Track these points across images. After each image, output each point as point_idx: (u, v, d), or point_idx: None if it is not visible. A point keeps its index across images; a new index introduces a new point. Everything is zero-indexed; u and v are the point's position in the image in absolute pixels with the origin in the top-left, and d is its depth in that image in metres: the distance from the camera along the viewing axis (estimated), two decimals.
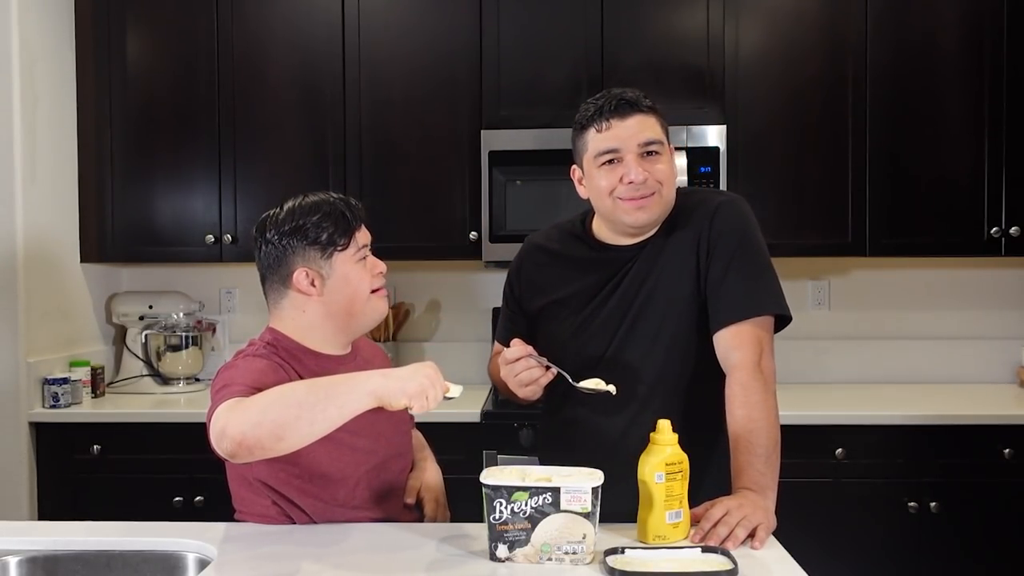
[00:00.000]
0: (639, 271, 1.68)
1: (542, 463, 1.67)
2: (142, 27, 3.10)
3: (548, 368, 1.57)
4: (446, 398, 1.38)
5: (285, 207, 1.61)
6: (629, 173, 1.60)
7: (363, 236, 1.62)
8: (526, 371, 1.56)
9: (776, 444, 1.56)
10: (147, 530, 1.57)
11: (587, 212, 1.79)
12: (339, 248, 1.58)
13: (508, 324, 1.84)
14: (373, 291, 1.62)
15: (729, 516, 1.44)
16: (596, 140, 1.63)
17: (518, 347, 1.57)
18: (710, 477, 1.62)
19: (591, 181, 1.67)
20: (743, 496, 1.49)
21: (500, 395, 1.91)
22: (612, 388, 1.55)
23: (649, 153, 1.62)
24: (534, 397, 1.62)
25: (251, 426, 1.31)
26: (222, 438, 1.33)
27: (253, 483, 1.58)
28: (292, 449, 1.35)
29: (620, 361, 1.68)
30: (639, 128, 1.61)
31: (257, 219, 1.57)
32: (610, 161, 1.63)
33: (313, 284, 1.59)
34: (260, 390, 1.42)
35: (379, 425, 1.60)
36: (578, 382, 1.57)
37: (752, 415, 1.55)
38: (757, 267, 1.65)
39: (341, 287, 1.59)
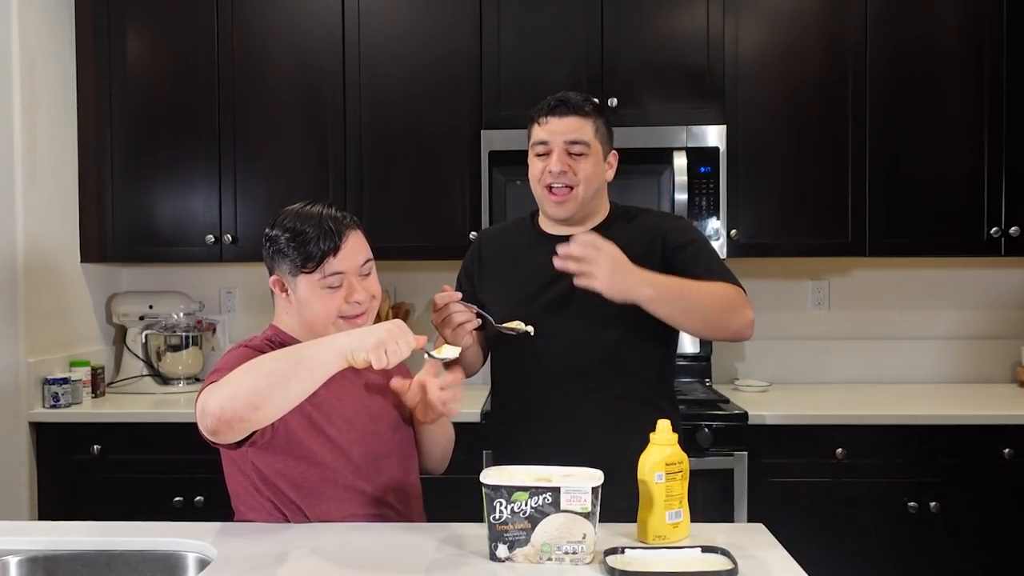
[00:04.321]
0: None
1: (497, 460, 1.78)
2: (142, 27, 3.10)
3: (477, 314, 1.75)
4: (434, 357, 1.42)
5: (286, 211, 1.62)
6: (551, 164, 1.81)
7: (342, 261, 1.56)
8: (455, 313, 1.74)
9: (698, 300, 1.70)
10: (147, 530, 1.57)
11: (536, 208, 1.96)
12: (304, 271, 1.57)
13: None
14: (345, 317, 1.57)
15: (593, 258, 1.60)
16: (535, 132, 1.86)
17: (446, 294, 1.77)
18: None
19: (530, 169, 1.88)
20: (623, 265, 1.62)
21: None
22: (531, 329, 1.75)
23: (577, 153, 1.81)
24: (464, 345, 1.76)
25: (227, 399, 1.35)
26: (203, 416, 1.37)
27: (251, 485, 1.59)
28: (270, 419, 1.38)
29: (562, 342, 1.82)
30: (570, 128, 1.82)
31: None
32: (541, 152, 1.84)
33: (285, 292, 1.62)
34: None
35: (356, 420, 1.62)
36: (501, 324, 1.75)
37: (706, 285, 1.72)
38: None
39: (305, 307, 1.60)
